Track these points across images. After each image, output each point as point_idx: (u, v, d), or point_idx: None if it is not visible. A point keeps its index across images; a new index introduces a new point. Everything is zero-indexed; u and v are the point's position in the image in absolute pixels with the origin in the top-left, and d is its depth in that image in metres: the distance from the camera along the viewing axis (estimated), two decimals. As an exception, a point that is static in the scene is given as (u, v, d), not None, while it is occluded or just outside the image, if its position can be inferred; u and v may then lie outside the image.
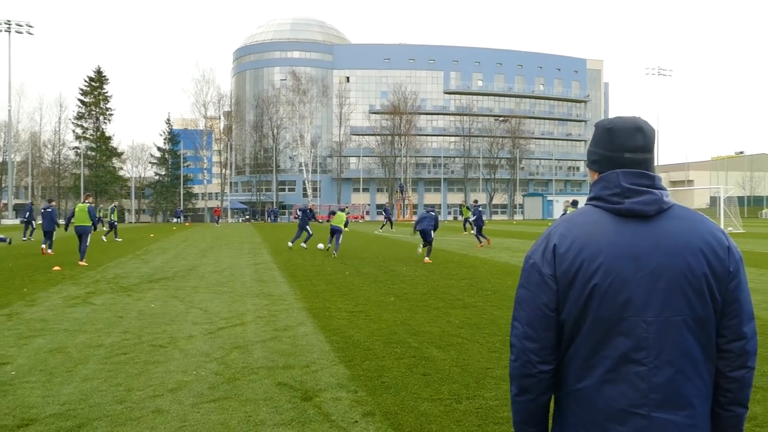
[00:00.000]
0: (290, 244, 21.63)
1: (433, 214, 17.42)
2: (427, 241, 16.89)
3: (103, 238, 27.66)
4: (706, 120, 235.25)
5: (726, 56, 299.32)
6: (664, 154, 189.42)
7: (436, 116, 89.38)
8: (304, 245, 21.39)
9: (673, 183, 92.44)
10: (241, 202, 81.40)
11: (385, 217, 43.23)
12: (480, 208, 24.79)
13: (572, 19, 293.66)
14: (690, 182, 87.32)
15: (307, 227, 21.66)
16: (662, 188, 1.67)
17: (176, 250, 21.43)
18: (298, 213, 22.61)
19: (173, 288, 11.36)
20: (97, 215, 25.47)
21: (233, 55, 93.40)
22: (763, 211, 65.24)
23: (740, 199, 50.04)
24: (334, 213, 20.55)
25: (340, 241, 18.72)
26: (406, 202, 75.21)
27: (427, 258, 16.55)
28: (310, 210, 23.50)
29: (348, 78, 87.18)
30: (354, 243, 25.02)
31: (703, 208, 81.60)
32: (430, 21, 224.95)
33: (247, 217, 79.91)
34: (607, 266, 1.57)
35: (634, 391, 1.55)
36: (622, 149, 1.67)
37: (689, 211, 1.67)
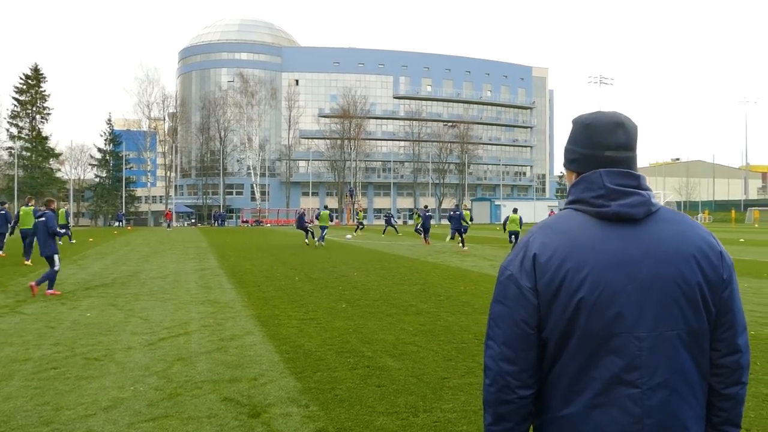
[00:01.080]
0: (319, 241, 24.78)
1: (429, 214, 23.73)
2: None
3: (72, 240, 27.43)
4: (645, 127, 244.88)
5: (663, 66, 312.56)
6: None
7: (385, 121, 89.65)
8: (307, 241, 25.93)
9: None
10: (187, 206, 79.28)
11: (388, 223, 40.80)
12: (428, 213, 27.77)
13: (518, 27, 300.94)
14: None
15: (306, 227, 25.91)
16: (648, 189, 1.51)
17: (116, 255, 20.49)
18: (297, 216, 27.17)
19: (112, 295, 10.75)
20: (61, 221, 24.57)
21: (179, 55, 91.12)
22: (698, 215, 68.17)
23: (677, 204, 52.27)
24: (318, 215, 25.55)
25: (324, 234, 24.13)
26: (356, 206, 74.98)
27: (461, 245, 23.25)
28: (302, 215, 27.79)
29: (297, 81, 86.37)
30: (303, 248, 24.61)
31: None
32: (379, 25, 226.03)
33: (193, 220, 77.89)
34: (594, 277, 1.40)
35: (626, 416, 1.38)
36: (602, 147, 1.51)
37: (677, 213, 1.53)
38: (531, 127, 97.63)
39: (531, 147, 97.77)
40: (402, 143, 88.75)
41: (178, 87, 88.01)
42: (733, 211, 68.58)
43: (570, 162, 1.60)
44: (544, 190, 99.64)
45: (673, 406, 1.41)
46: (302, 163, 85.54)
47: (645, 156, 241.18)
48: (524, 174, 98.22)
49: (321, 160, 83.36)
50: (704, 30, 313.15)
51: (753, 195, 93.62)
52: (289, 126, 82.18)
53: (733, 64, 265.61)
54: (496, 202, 77.18)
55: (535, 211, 73.98)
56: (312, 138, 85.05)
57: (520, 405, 1.46)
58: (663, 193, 39.95)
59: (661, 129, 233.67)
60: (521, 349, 1.44)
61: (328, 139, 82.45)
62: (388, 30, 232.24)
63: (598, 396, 1.40)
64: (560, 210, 1.58)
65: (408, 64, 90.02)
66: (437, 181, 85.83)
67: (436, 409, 4.65)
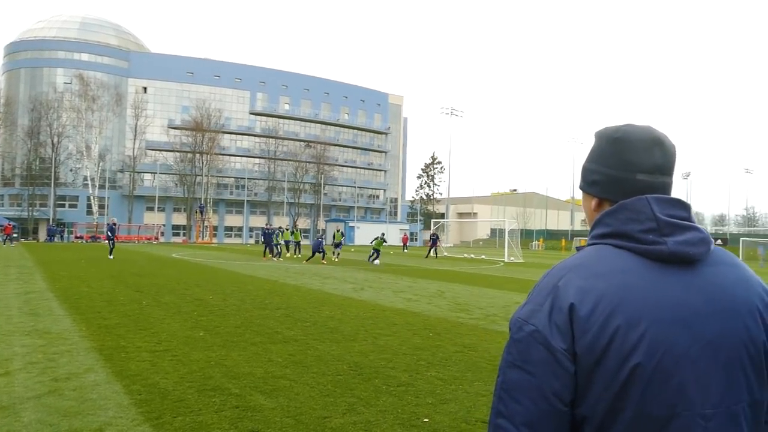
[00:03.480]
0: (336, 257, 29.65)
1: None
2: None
3: None
4: (488, 159, 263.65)
5: (506, 103, 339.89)
6: (453, 188, 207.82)
7: (240, 136, 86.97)
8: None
9: (460, 215, 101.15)
10: (7, 218, 70.22)
11: (432, 244, 41.30)
12: (269, 230, 32.27)
13: (377, 55, 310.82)
14: (474, 214, 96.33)
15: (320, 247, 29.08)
16: (699, 222, 1.20)
17: None
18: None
19: None
20: None
21: (5, 49, 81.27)
22: (533, 243, 74.20)
23: (519, 231, 56.56)
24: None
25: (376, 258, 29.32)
26: (206, 223, 71.53)
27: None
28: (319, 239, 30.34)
29: (145, 88, 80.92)
30: (149, 267, 22.65)
31: (485, 238, 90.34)
32: (237, 38, 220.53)
33: (15, 234, 69.07)
34: (653, 336, 1.07)
35: None
36: (634, 168, 1.20)
37: (731, 254, 1.22)
38: (386, 152, 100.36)
39: (385, 171, 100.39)
40: (257, 160, 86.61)
41: (2, 84, 78.35)
42: (563, 240, 75.74)
43: (590, 184, 1.27)
44: (395, 213, 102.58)
45: None
46: (148, 176, 79.98)
47: (487, 186, 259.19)
48: (377, 197, 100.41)
49: (169, 174, 78.48)
50: (543, 74, 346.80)
51: (578, 226, 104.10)
52: (135, 135, 76.51)
53: (566, 106, 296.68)
54: (350, 224, 77.91)
55: (387, 234, 75.69)
56: (160, 150, 79.93)
57: None
58: (507, 220, 42.75)
59: (502, 161, 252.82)
60: (549, 431, 1.08)
61: (177, 151, 77.88)
62: (246, 44, 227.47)
63: None
64: (587, 245, 1.24)
65: (266, 81, 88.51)
66: (292, 201, 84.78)
67: (322, 458, 4.15)
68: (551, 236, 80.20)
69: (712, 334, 1.10)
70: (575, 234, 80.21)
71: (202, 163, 77.00)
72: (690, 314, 1.10)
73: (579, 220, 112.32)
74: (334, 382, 6.20)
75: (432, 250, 40.33)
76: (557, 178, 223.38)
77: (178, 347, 7.70)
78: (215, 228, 77.54)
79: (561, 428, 1.10)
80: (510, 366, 1.14)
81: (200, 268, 22.90)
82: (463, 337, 9.06)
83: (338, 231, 33.92)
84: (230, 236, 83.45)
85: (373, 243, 30.42)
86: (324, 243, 31.06)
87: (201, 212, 68.59)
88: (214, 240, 74.59)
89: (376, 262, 29.22)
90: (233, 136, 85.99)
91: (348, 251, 47.51)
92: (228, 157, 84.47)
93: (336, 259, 32.01)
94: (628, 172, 1.21)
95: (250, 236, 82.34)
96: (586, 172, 1.30)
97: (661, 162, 1.21)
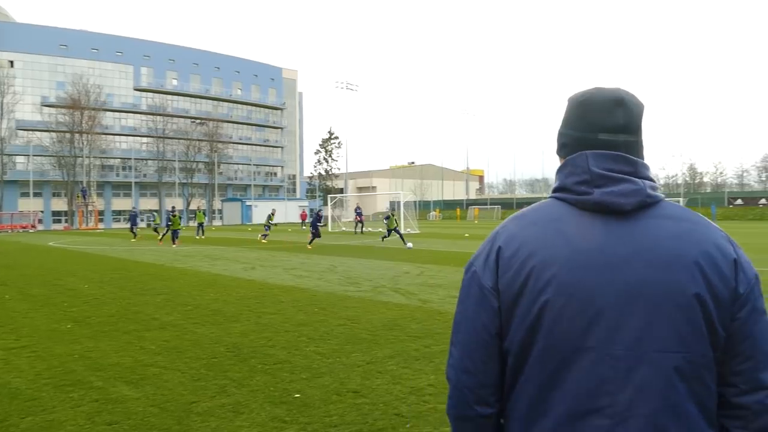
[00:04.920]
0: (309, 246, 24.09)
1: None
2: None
3: None
4: (385, 134, 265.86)
5: (402, 77, 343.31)
6: (351, 163, 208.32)
7: (125, 114, 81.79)
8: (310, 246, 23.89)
9: (360, 189, 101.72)
10: None
11: (359, 220, 39.61)
12: (175, 214, 28.21)
13: (269, 27, 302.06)
14: (374, 188, 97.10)
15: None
16: (649, 178, 1.26)
17: None
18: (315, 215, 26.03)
19: None
20: None
21: None
22: (431, 213, 76.11)
23: (414, 203, 57.72)
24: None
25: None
26: (90, 208, 67.08)
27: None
28: (318, 215, 26.45)
29: (12, 62, 73.81)
30: (21, 258, 20.94)
31: (384, 211, 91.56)
32: (116, 9, 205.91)
33: None
34: (564, 276, 1.17)
35: None
36: (597, 128, 1.28)
37: (686, 210, 1.26)
38: (282, 128, 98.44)
39: (282, 147, 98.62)
40: (145, 139, 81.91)
41: None
42: (458, 210, 78.26)
43: (560, 147, 1.36)
44: (294, 190, 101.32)
45: None
46: (20, 159, 73.53)
47: (386, 159, 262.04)
48: (275, 174, 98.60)
49: (46, 156, 72.54)
50: (435, 46, 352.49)
51: (472, 195, 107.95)
52: (2, 115, 69.92)
53: (458, 80, 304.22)
54: (248, 203, 76.10)
55: (286, 211, 74.81)
56: (33, 129, 73.53)
57: (480, 424, 1.28)
58: (402, 193, 43.50)
59: (399, 135, 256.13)
60: (480, 360, 1.26)
61: (54, 132, 71.99)
62: (127, 15, 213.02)
63: (561, 426, 1.15)
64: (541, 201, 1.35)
65: (151, 54, 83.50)
66: (185, 181, 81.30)
67: (181, 444, 4.02)
68: (448, 206, 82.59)
69: (630, 280, 1.15)
70: (470, 203, 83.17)
71: (83, 143, 71.81)
72: (608, 260, 1.16)
73: (474, 190, 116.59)
74: (208, 365, 6.03)
75: (361, 225, 39.24)
76: (452, 149, 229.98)
77: (40, 342, 7.17)
78: (101, 213, 72.96)
79: (490, 356, 1.25)
80: (459, 302, 1.33)
81: (79, 256, 21.48)
82: (348, 310, 9.13)
83: (200, 210, 36.43)
84: (119, 221, 78.81)
85: (386, 222, 26.44)
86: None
87: (83, 196, 64.17)
88: (101, 225, 70.23)
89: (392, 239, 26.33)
90: (117, 114, 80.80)
91: (245, 230, 46.40)
92: (112, 136, 79.36)
93: (200, 237, 33.32)
94: (590, 132, 1.27)
95: (142, 220, 78.16)
96: (558, 136, 1.37)
97: (623, 122, 1.26)
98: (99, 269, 16.19)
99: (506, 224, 1.29)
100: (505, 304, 1.22)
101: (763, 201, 58.84)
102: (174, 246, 26.35)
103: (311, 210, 39.42)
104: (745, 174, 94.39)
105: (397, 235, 25.88)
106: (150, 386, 5.33)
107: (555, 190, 1.30)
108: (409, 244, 23.19)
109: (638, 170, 1.24)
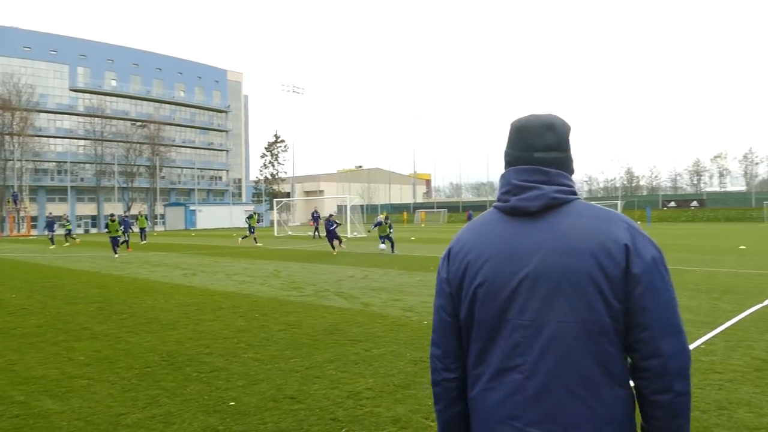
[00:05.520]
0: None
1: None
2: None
3: None
4: (331, 137, 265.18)
5: (348, 80, 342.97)
6: (298, 167, 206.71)
7: (60, 115, 78.46)
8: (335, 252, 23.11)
9: (307, 193, 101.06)
10: None
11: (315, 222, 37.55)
12: (126, 218, 29.09)
13: (211, 29, 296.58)
14: (321, 192, 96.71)
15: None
16: (561, 184, 1.54)
17: None
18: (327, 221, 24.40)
19: None
20: None
21: None
22: (378, 217, 76.33)
23: (361, 207, 57.64)
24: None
25: None
26: (22, 214, 64.00)
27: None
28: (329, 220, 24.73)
29: (-64, 60, 69.89)
30: (-57, 266, 19.74)
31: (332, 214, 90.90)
32: (49, 7, 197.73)
33: None
34: (489, 267, 1.50)
35: (510, 401, 1.45)
36: (532, 148, 1.57)
37: (594, 208, 1.52)
38: (227, 131, 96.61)
39: (227, 151, 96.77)
40: (82, 142, 78.84)
41: None
42: (405, 213, 78.75)
43: (506, 164, 1.63)
44: (240, 194, 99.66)
45: (562, 401, 1.39)
46: (-55, 162, 69.53)
47: (333, 163, 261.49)
48: (220, 178, 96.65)
49: (-27, 159, 68.80)
50: (382, 51, 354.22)
51: (419, 199, 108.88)
52: (-75, 115, 65.90)
53: (405, 84, 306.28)
54: (191, 207, 74.29)
55: (231, 216, 73.46)
56: (-41, 132, 69.73)
57: (446, 388, 1.60)
58: (349, 197, 43.45)
59: (346, 139, 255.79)
60: (443, 336, 1.60)
61: (-18, 134, 68.44)
62: (61, 13, 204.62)
63: (491, 380, 1.49)
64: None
65: (88, 54, 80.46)
66: (125, 185, 78.69)
67: (106, 459, 3.86)
68: (395, 210, 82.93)
69: (533, 265, 1.45)
70: (417, 207, 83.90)
71: (14, 145, 68.48)
72: (517, 251, 1.48)
73: (421, 194, 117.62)
74: (140, 375, 5.84)
75: (317, 230, 37.20)
76: (400, 153, 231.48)
77: (-42, 355, 6.78)
78: (34, 219, 69.73)
79: (450, 332, 1.59)
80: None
81: (6, 264, 20.46)
82: (289, 315, 9.03)
83: (141, 215, 35.86)
84: (61, 226, 75.50)
85: (377, 229, 23.41)
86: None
87: (14, 201, 61.23)
88: (33, 232, 67.14)
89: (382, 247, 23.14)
90: (51, 115, 77.40)
91: (188, 236, 45.30)
92: (46, 138, 76.04)
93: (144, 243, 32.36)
94: (527, 151, 1.57)
95: (78, 225, 75.15)
96: (504, 155, 1.65)
97: (553, 142, 1.56)
98: (28, 278, 15.47)
99: (461, 230, 1.66)
100: (454, 289, 1.57)
101: (694, 203, 61.84)
102: (115, 255, 22.91)
103: (316, 217, 37.60)
104: (678, 177, 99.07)
105: (389, 242, 22.84)
106: (76, 399, 5.11)
107: (496, 201, 1.62)
108: (382, 246, 22.80)
109: (551, 179, 1.52)
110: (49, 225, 34.27)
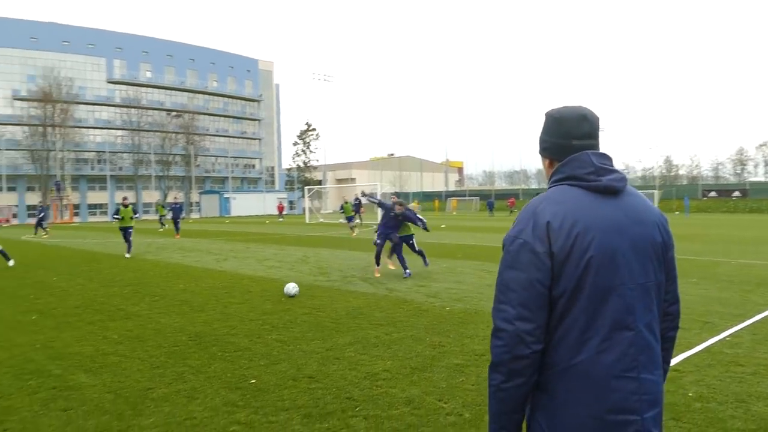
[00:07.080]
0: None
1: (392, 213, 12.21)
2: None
3: None
4: (365, 124, 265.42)
5: (380, 68, 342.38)
6: (330, 155, 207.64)
7: (98, 107, 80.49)
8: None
9: (339, 180, 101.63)
10: None
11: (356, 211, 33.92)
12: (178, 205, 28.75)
13: (243, 20, 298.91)
14: (353, 180, 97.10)
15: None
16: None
17: None
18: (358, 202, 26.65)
19: None
20: None
21: None
22: (410, 204, 76.25)
23: (395, 194, 57.75)
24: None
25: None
26: (65, 202, 66.11)
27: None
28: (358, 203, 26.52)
29: (-18, 55, 72.30)
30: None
31: (366, 203, 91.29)
32: (87, 1, 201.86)
33: None
34: (599, 238, 1.66)
35: (625, 356, 1.64)
36: (570, 137, 1.78)
37: (635, 190, 1.84)
38: (259, 120, 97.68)
39: (260, 139, 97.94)
40: (119, 132, 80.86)
41: None
42: (436, 201, 78.54)
43: (544, 149, 1.87)
44: (273, 182, 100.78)
45: (653, 345, 1.71)
46: (-8, 153, 72.19)
47: (365, 151, 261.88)
48: (253, 166, 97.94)
49: (18, 150, 71.27)
50: (415, 39, 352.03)
51: (452, 187, 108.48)
52: (-28, 108, 68.40)
53: (438, 72, 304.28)
54: (226, 195, 75.57)
55: (265, 203, 74.43)
56: (5, 123, 72.13)
57: (534, 360, 1.65)
58: (380, 184, 43.62)
59: (378, 127, 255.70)
60: (537, 308, 1.65)
61: (26, 125, 70.67)
62: (97, 7, 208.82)
63: (604, 341, 1.63)
64: (548, 188, 1.81)
65: (123, 47, 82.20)
66: (161, 174, 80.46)
67: (133, 428, 4.11)
68: (426, 197, 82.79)
69: (633, 236, 1.70)
70: (449, 195, 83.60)
71: (56, 136, 70.65)
72: (619, 224, 1.69)
73: (453, 181, 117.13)
74: (168, 353, 6.11)
75: (359, 218, 36.38)
76: (432, 141, 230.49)
77: (2, 333, 7.19)
78: (76, 206, 71.94)
79: (544, 305, 1.65)
80: (506, 268, 1.71)
81: (51, 250, 21.26)
82: (315, 299, 9.24)
83: (159, 204, 37.84)
84: (95, 214, 77.84)
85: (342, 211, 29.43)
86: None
87: (58, 190, 63.23)
88: (76, 219, 69.32)
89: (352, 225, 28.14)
90: (90, 106, 79.48)
91: (222, 222, 46.18)
92: (86, 129, 78.18)
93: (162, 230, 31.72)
94: (566, 139, 1.79)
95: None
96: (541, 141, 1.87)
97: (588, 131, 1.79)
98: (69, 262, 16.08)
99: (542, 205, 1.71)
100: (557, 263, 1.65)
101: (736, 193, 59.86)
102: (126, 255, 17.48)
103: (357, 204, 35.28)
104: (720, 167, 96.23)
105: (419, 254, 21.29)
106: (108, 374, 5.40)
107: (565, 179, 1.76)
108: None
109: (613, 163, 1.78)
110: (44, 213, 32.61)
